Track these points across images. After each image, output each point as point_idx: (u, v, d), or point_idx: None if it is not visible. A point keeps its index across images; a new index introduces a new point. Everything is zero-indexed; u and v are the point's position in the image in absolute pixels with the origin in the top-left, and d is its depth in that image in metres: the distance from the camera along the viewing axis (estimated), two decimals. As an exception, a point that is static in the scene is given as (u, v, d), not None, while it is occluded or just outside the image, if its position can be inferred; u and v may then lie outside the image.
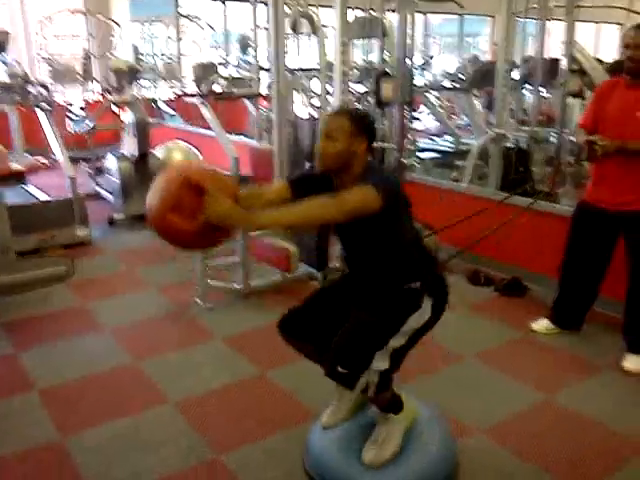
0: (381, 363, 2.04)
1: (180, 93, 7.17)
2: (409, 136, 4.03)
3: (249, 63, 7.56)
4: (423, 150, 6.93)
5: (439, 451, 2.28)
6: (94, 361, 3.18)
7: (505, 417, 2.71)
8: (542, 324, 3.51)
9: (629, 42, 3.01)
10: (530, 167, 5.23)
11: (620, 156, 3.02)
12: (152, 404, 2.80)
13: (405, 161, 3.73)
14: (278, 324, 2.25)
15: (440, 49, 15.13)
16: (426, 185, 4.90)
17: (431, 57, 12.21)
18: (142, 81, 10.09)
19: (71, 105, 7.77)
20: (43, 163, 7.17)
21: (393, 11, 6.98)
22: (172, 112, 9.11)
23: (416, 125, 9.47)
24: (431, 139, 8.71)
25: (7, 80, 5.59)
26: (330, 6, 4.60)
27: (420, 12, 9.16)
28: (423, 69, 10.66)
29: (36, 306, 3.79)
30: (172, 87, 8.99)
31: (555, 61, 5.05)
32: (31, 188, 5.73)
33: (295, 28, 5.38)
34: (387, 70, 3.97)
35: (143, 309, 3.82)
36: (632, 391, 2.93)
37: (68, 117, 6.88)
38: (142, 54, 10.03)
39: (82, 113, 6.98)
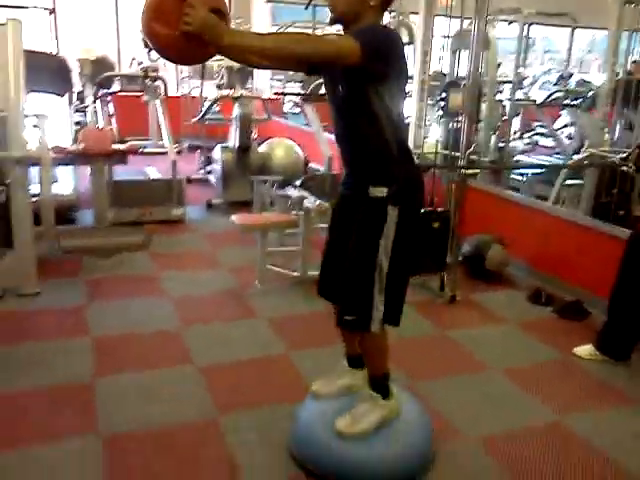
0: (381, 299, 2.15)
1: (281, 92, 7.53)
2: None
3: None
4: (522, 167, 6.71)
5: (411, 444, 2.33)
6: (146, 321, 3.55)
7: (503, 430, 2.66)
8: (586, 349, 3.35)
9: None
10: (628, 190, 4.91)
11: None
12: (179, 363, 3.10)
13: (466, 171, 3.71)
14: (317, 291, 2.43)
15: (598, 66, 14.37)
16: (507, 200, 4.82)
17: (570, 74, 11.69)
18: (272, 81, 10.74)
19: (205, 99, 8.48)
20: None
21: (510, 22, 6.91)
22: (296, 110, 9.57)
23: (547, 142, 9.19)
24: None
25: (137, 73, 6.26)
26: (445, 15, 4.65)
27: (538, 24, 8.91)
28: (556, 84, 10.28)
29: (119, 269, 4.27)
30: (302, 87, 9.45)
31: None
32: (149, 169, 6.37)
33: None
34: (455, 80, 3.98)
35: (207, 284, 4.16)
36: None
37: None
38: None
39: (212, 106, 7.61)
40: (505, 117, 7.47)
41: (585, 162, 4.43)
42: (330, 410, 2.43)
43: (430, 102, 5.86)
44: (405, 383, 2.84)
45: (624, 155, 3.58)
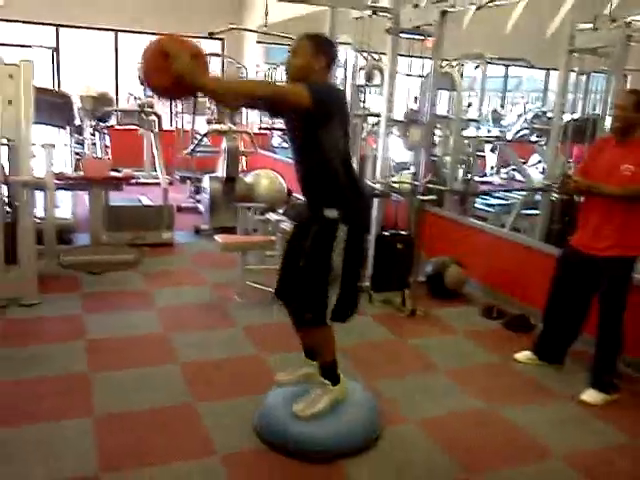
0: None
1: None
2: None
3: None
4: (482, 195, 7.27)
5: (356, 422, 2.77)
6: (136, 327, 3.99)
7: (441, 415, 3.10)
8: (525, 354, 3.79)
9: (617, 103, 3.36)
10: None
11: (600, 202, 3.33)
12: (163, 362, 3.53)
13: (423, 197, 4.21)
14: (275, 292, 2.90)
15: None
16: (467, 226, 5.31)
17: (544, 112, 12.32)
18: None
19: (197, 133, 9.04)
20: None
21: (477, 67, 7.52)
22: (285, 145, 10.15)
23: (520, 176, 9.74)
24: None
25: (134, 108, 6.80)
26: (408, 55, 5.16)
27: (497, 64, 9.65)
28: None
29: (112, 285, 4.72)
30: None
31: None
32: (143, 197, 6.85)
33: (370, 79, 6.08)
34: (414, 118, 4.50)
35: (191, 298, 4.60)
36: (574, 417, 3.18)
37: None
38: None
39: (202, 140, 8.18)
40: (477, 152, 8.05)
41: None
42: (289, 395, 2.88)
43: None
44: (362, 378, 3.29)
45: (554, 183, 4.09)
